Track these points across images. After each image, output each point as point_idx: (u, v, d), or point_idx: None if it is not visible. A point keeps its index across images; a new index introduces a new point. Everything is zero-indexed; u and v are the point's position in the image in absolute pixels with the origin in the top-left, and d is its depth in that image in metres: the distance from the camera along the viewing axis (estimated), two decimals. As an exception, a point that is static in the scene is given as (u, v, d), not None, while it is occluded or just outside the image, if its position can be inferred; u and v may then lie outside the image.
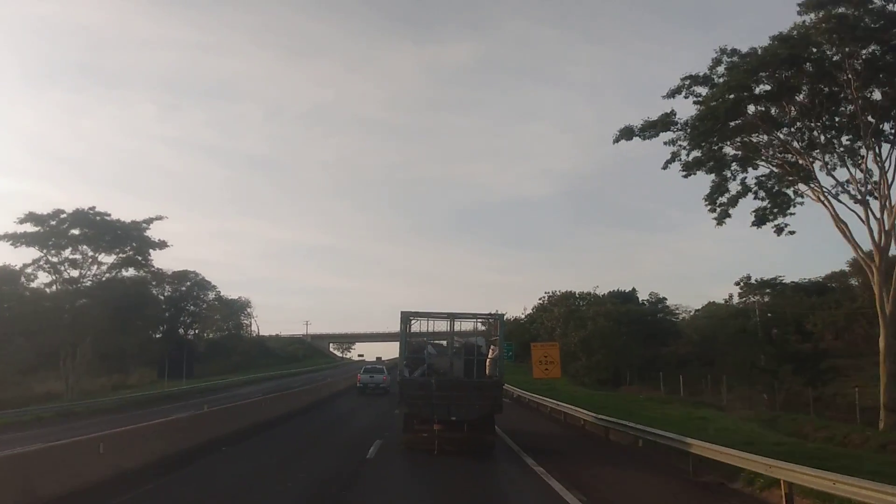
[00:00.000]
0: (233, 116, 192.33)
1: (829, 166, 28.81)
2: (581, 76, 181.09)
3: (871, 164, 27.59)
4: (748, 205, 31.64)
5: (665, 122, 30.05)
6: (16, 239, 43.77)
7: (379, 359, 73.48)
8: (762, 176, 31.01)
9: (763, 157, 30.55)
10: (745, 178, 31.21)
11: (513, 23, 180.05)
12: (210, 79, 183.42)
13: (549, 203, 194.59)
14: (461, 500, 11.91)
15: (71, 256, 45.91)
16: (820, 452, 14.42)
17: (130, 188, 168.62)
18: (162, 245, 49.10)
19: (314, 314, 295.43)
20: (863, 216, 27.46)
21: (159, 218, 48.44)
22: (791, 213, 30.88)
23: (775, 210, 30.90)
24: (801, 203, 30.40)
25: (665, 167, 31.15)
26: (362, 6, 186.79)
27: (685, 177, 31.27)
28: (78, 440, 12.00)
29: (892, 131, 27.53)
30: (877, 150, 27.47)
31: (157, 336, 72.21)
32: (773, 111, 29.02)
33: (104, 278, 47.58)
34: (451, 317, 17.46)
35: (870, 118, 26.95)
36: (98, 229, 45.73)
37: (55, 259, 45.41)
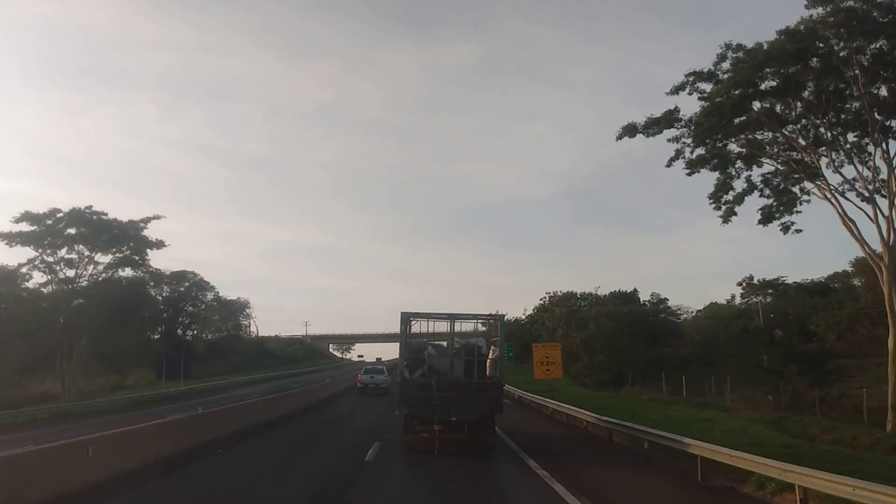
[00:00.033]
0: (233, 117, 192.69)
1: (835, 163, 28.42)
2: (581, 76, 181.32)
3: (878, 161, 27.24)
4: (753, 203, 31.30)
5: (669, 119, 29.67)
6: (11, 238, 43.41)
7: (379, 359, 73.33)
8: (768, 173, 30.61)
9: (768, 155, 30.18)
10: (750, 175, 30.85)
11: (513, 23, 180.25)
12: (210, 79, 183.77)
13: (549, 203, 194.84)
14: (462, 502, 11.70)
15: (67, 256, 45.67)
16: (830, 455, 14.11)
17: (130, 189, 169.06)
18: (159, 245, 48.85)
19: (314, 315, 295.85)
20: (871, 214, 27.09)
21: (157, 217, 48.22)
22: (798, 212, 30.52)
23: (781, 208, 30.52)
24: (808, 201, 30.02)
25: (669, 165, 30.78)
26: (362, 6, 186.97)
27: (689, 174, 30.88)
28: (66, 443, 11.82)
29: (901, 128, 27.15)
30: (884, 147, 27.07)
31: (156, 337, 72.00)
32: (778, 108, 28.66)
33: (101, 278, 47.32)
34: (452, 317, 17.43)
35: (877, 115, 26.58)
36: (94, 228, 45.40)
37: (51, 259, 45.12)
